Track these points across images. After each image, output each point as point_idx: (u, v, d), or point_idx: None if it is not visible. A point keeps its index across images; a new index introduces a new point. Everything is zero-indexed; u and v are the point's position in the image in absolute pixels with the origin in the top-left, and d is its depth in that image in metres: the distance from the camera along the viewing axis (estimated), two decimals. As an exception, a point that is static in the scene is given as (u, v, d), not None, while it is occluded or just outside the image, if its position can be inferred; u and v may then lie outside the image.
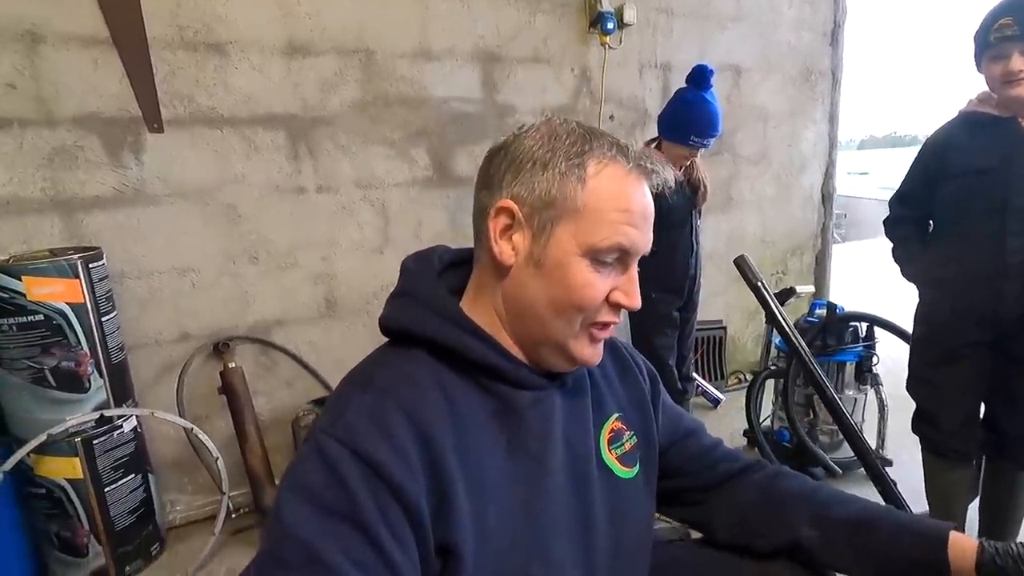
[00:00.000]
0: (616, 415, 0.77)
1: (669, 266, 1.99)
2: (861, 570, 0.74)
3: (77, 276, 1.63)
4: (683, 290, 2.05)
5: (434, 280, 0.70)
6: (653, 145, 2.04)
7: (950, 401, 1.58)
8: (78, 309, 1.64)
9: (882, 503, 1.22)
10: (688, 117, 1.90)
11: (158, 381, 2.02)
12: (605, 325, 0.67)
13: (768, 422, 2.45)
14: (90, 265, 1.68)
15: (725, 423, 2.78)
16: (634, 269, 0.66)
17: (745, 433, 2.54)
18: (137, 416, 1.83)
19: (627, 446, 0.76)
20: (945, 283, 1.56)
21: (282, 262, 2.16)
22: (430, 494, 0.56)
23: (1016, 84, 1.37)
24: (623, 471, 0.75)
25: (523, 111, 2.50)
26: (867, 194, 12.01)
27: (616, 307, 0.66)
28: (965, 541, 0.68)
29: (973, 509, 1.71)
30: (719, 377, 3.17)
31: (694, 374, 2.74)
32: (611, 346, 0.84)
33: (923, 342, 1.64)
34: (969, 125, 1.51)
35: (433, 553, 0.56)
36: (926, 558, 0.67)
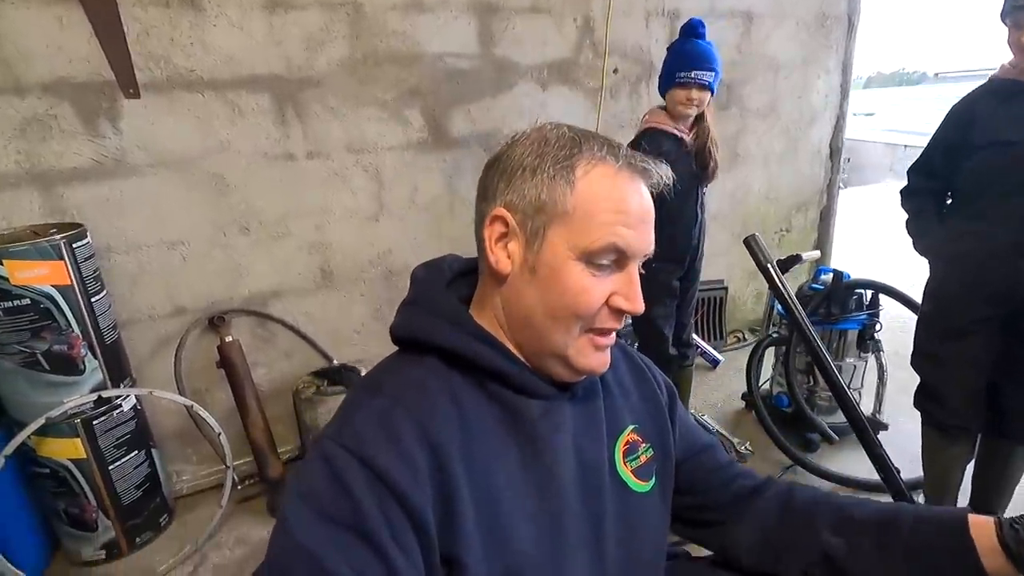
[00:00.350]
0: (632, 427, 0.75)
1: (671, 236, 1.92)
2: (890, 572, 0.72)
3: (61, 257, 1.57)
4: (685, 260, 1.99)
5: (443, 289, 0.70)
6: (649, 116, 1.92)
7: (956, 378, 1.57)
8: (65, 291, 1.59)
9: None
10: (671, 59, 1.83)
11: (155, 356, 2.00)
12: (606, 332, 0.64)
13: (767, 386, 2.46)
14: (74, 245, 1.61)
15: (724, 384, 2.81)
16: (634, 271, 0.64)
17: (744, 396, 2.57)
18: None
19: (643, 459, 0.74)
20: (959, 258, 1.51)
21: (274, 232, 2.09)
22: (437, 503, 0.56)
23: None
24: (638, 485, 0.73)
25: (523, 66, 2.36)
26: (872, 137, 11.71)
27: (617, 312, 0.64)
28: (982, 520, 0.67)
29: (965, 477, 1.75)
30: (719, 337, 3.17)
31: (694, 336, 2.74)
32: (627, 356, 0.83)
33: (931, 317, 1.61)
34: (998, 94, 1.42)
35: (439, 562, 0.56)
36: (951, 544, 0.66)
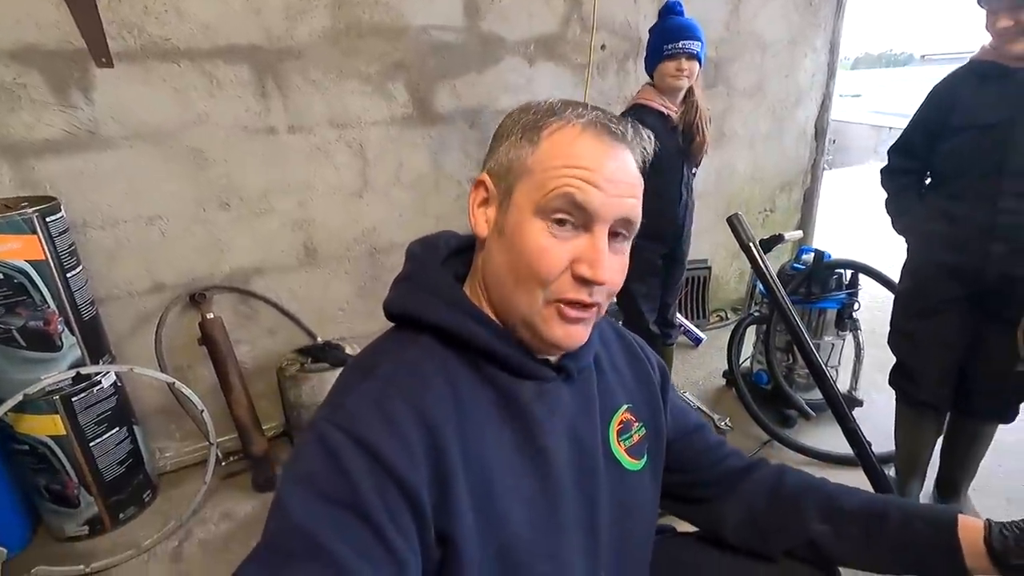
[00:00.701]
0: (626, 406, 0.76)
1: (653, 213, 1.91)
2: (874, 561, 0.75)
3: (34, 231, 1.53)
4: (666, 238, 2.00)
5: (439, 266, 0.70)
6: (640, 93, 1.91)
7: (929, 356, 1.61)
8: (40, 266, 1.55)
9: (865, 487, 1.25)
10: (656, 35, 1.83)
11: (135, 332, 1.98)
12: (573, 303, 0.61)
13: (747, 363, 2.51)
14: (47, 219, 1.57)
15: (706, 362, 2.85)
16: (601, 237, 0.59)
17: (724, 374, 2.61)
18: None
19: (636, 438, 0.75)
20: (935, 238, 1.54)
21: (256, 208, 2.05)
22: (432, 484, 0.56)
23: (1008, 39, 1.30)
24: (631, 463, 0.74)
25: (510, 41, 2.32)
26: (858, 118, 11.76)
27: (581, 281, 0.59)
28: (971, 522, 0.68)
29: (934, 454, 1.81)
30: (701, 316, 3.21)
31: (678, 316, 2.77)
32: (620, 336, 0.83)
33: (907, 295, 1.65)
34: (978, 75, 1.43)
35: (434, 542, 0.56)
36: (938, 543, 0.68)
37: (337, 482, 0.52)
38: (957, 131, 1.45)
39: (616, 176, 0.59)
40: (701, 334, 3.02)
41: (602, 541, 0.69)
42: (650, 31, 1.89)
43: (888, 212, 1.68)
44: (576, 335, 0.63)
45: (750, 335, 2.51)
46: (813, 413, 2.18)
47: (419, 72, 2.18)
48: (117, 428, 1.81)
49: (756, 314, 2.42)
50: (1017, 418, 1.61)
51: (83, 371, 1.66)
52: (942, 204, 1.52)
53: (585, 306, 0.61)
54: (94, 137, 1.77)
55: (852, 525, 0.74)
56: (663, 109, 1.86)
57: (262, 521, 0.53)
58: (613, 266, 0.61)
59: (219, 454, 1.95)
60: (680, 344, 2.97)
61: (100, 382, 1.74)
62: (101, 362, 1.76)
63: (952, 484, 1.75)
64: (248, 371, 2.15)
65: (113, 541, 1.80)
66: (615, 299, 2.19)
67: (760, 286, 2.41)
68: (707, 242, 3.15)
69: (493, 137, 0.66)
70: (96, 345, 1.75)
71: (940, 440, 1.78)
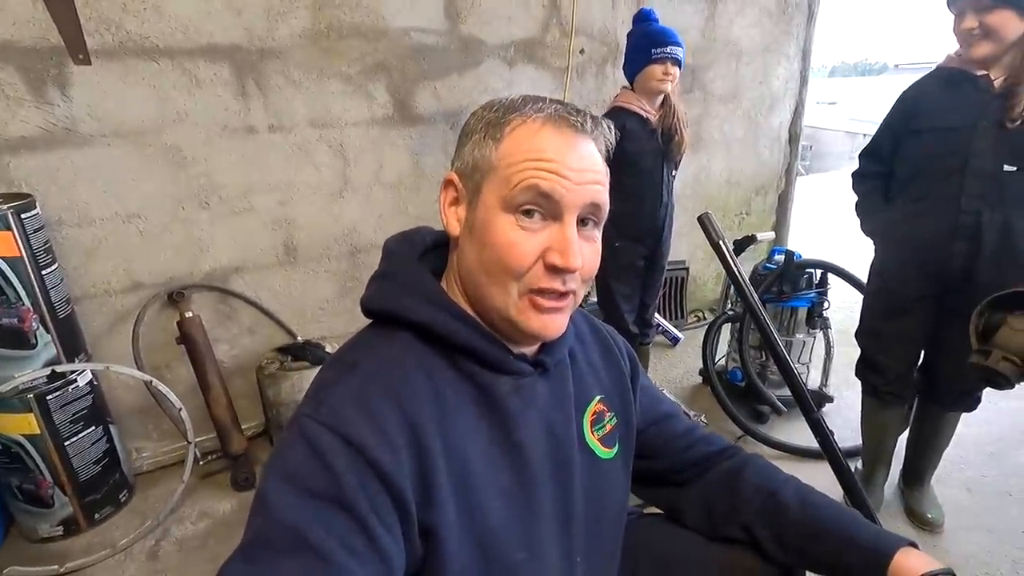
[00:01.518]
0: (598, 397, 0.78)
1: (633, 214, 1.97)
2: (809, 569, 0.78)
3: (9, 228, 1.52)
4: (647, 239, 2.05)
5: (416, 261, 0.70)
6: (619, 96, 1.96)
7: (894, 351, 1.67)
8: (14, 263, 1.54)
9: (831, 479, 1.28)
10: (640, 40, 1.88)
11: (112, 331, 1.96)
12: (547, 292, 0.62)
13: (723, 362, 2.56)
14: (22, 215, 1.56)
15: (683, 361, 2.90)
16: (570, 226, 0.61)
17: (701, 372, 2.66)
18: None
19: (608, 427, 0.78)
20: (900, 239, 1.60)
21: (236, 207, 2.06)
22: (415, 478, 0.57)
23: (972, 42, 1.36)
24: (604, 452, 0.77)
25: (490, 45, 2.35)
26: (834, 125, 12.04)
27: (553, 270, 0.61)
28: (912, 561, 0.67)
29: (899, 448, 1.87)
30: (679, 316, 3.27)
31: (656, 316, 2.81)
32: (593, 327, 0.85)
33: (875, 295, 1.71)
34: (943, 80, 1.49)
35: (417, 536, 0.58)
36: (866, 575, 0.69)
37: (321, 478, 0.53)
38: (921, 134, 1.51)
39: (580, 164, 0.61)
40: (679, 334, 3.08)
41: (576, 527, 0.72)
42: (630, 35, 1.94)
43: (857, 214, 1.74)
44: (553, 325, 0.64)
45: (725, 335, 2.57)
46: (785, 409, 2.24)
47: (400, 73, 2.20)
48: (93, 427, 1.79)
49: (730, 313, 2.48)
50: (978, 410, 1.68)
51: (58, 369, 1.65)
52: (908, 206, 1.58)
53: (560, 295, 0.63)
54: (71, 134, 1.76)
55: (790, 537, 0.76)
56: (642, 112, 1.91)
57: (241, 520, 0.53)
58: (585, 253, 0.63)
59: (197, 453, 1.94)
60: (658, 343, 3.02)
61: (75, 380, 1.73)
62: (77, 360, 1.75)
63: (917, 474, 1.82)
64: (227, 370, 2.15)
65: (88, 541, 1.79)
66: (595, 298, 2.26)
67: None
68: (685, 244, 3.21)
69: (460, 136, 0.67)
70: (72, 343, 1.74)
71: (906, 433, 1.85)
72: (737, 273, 1.48)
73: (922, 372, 1.72)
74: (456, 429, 0.62)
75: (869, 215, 1.70)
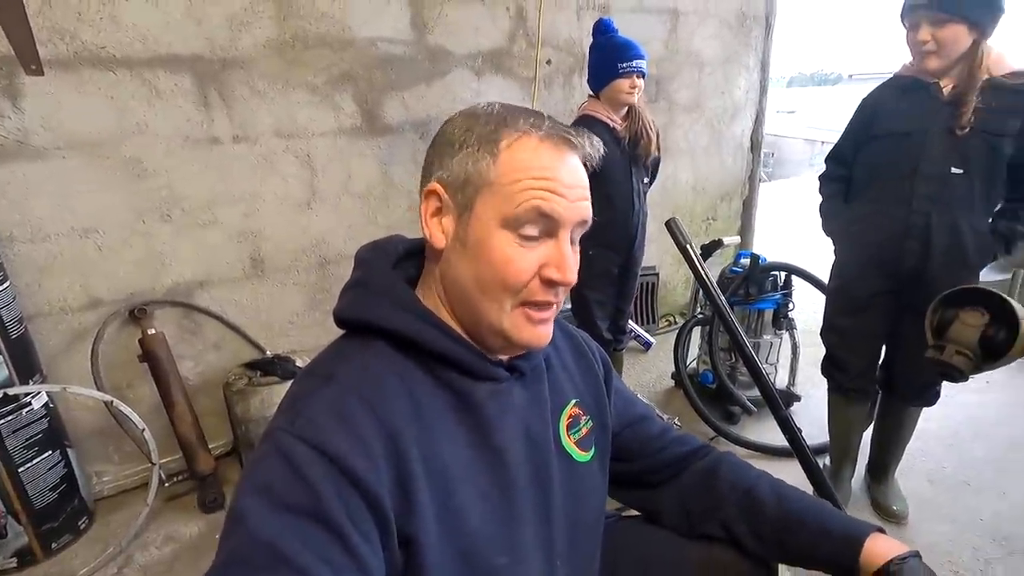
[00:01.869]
0: (574, 401, 0.79)
1: (607, 223, 1.99)
2: (787, 562, 0.81)
3: (-44, 245, 1.46)
4: (622, 248, 2.07)
5: (390, 270, 0.70)
6: (586, 105, 1.99)
7: (856, 348, 1.73)
8: (-38, 281, 1.47)
9: (800, 476, 1.31)
10: (605, 53, 1.91)
11: (70, 350, 1.88)
12: (541, 305, 0.65)
13: (694, 365, 2.61)
14: (-29, 231, 1.50)
15: (655, 365, 2.94)
16: (565, 241, 0.64)
17: (673, 376, 2.70)
18: (47, 391, 1.71)
19: (584, 431, 0.79)
20: (858, 238, 1.66)
21: (200, 220, 2.01)
22: (394, 487, 0.57)
23: (925, 56, 1.43)
24: (580, 455, 0.77)
25: (457, 55, 2.36)
26: (794, 133, 12.45)
27: (549, 284, 0.63)
28: (876, 552, 0.70)
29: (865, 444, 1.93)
30: (651, 321, 3.31)
31: (630, 322, 2.85)
32: (566, 333, 0.86)
33: (836, 293, 1.77)
34: (899, 89, 1.57)
35: (397, 545, 0.57)
36: (841, 563, 0.72)
37: (299, 491, 0.52)
38: (878, 139, 1.59)
39: (573, 181, 0.63)
40: (651, 338, 3.12)
41: (556, 530, 0.72)
42: (593, 48, 1.98)
43: (820, 215, 1.80)
44: (544, 334, 0.67)
45: (696, 338, 2.61)
46: (755, 409, 2.29)
47: (367, 83, 2.20)
48: (49, 452, 1.71)
49: (700, 317, 2.52)
50: (937, 404, 1.75)
51: (10, 392, 1.58)
52: (864, 207, 1.65)
53: (549, 304, 0.65)
54: (23, 147, 1.70)
55: (767, 531, 0.78)
56: (609, 121, 1.94)
57: (209, 543, 0.52)
58: (574, 265, 0.65)
59: (162, 475, 1.87)
60: (631, 348, 3.05)
61: (30, 403, 1.65)
62: (31, 382, 1.67)
63: (881, 468, 1.87)
64: (193, 387, 2.08)
65: (45, 572, 1.70)
66: (570, 306, 2.27)
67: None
68: (655, 249, 3.25)
69: (439, 144, 0.66)
70: (26, 364, 1.66)
71: (870, 429, 1.91)
72: (705, 277, 1.51)
73: (884, 368, 1.78)
74: (434, 436, 0.62)
75: (831, 216, 1.76)
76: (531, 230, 0.62)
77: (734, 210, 3.61)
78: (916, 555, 0.68)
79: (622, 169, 1.96)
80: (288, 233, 2.18)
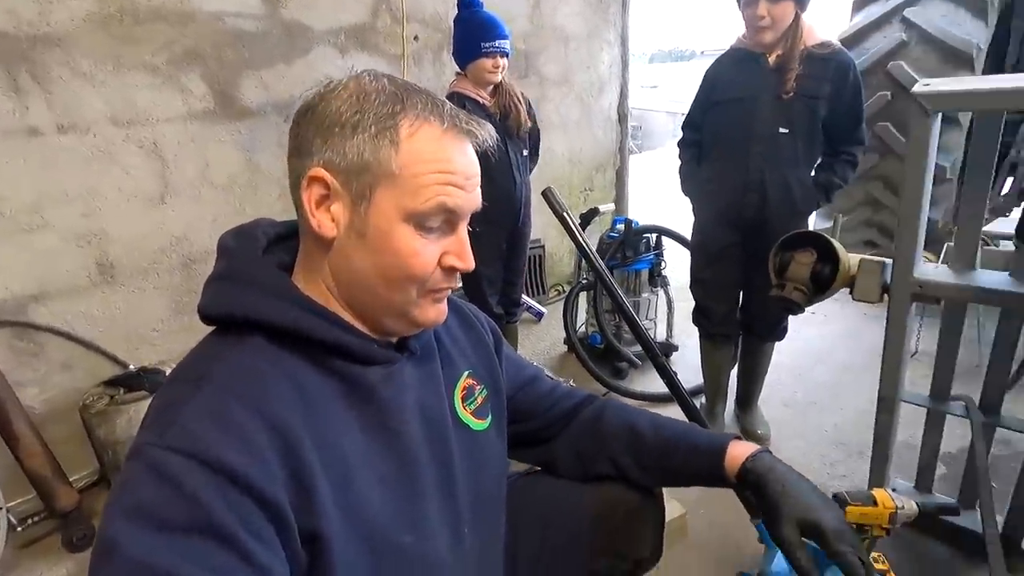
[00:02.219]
0: (467, 372, 0.80)
1: (492, 199, 2.00)
2: (670, 483, 0.90)
3: None
4: (508, 223, 2.11)
5: (260, 257, 0.65)
6: (455, 83, 1.99)
7: (717, 296, 1.93)
8: None
9: (682, 417, 1.44)
10: (468, 31, 1.92)
11: None
12: (443, 290, 0.67)
13: (584, 329, 2.75)
14: None
15: (548, 333, 3.06)
16: (463, 230, 0.66)
17: (565, 341, 2.83)
18: None
19: (479, 400, 0.80)
20: (708, 196, 1.85)
21: (25, 224, 1.74)
22: (290, 485, 0.54)
23: (760, 30, 1.60)
24: (478, 424, 0.79)
25: (317, 31, 2.24)
26: (658, 106, 13.28)
27: (450, 271, 0.65)
28: (739, 450, 0.79)
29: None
30: (541, 292, 3.43)
31: (522, 296, 2.92)
32: (453, 306, 0.85)
33: (696, 249, 1.96)
34: (734, 59, 1.75)
35: (299, 542, 0.55)
36: (712, 472, 0.82)
37: (177, 506, 0.48)
38: (719, 105, 1.77)
39: (472, 172, 0.64)
40: (542, 308, 3.23)
41: (461, 500, 0.73)
42: (457, 22, 1.97)
43: (679, 177, 1.97)
44: (444, 311, 0.69)
45: (584, 304, 2.75)
46: (640, 362, 2.47)
47: (217, 62, 2.01)
48: None
49: (584, 282, 2.65)
50: (787, 340, 2.00)
51: None
52: (711, 167, 1.83)
53: (450, 289, 0.68)
54: None
55: (649, 459, 0.87)
56: (479, 99, 1.95)
57: None
58: (470, 251, 0.66)
59: (12, 519, 1.63)
60: (525, 320, 3.14)
61: None
62: None
63: (746, 399, 2.12)
64: (40, 416, 1.83)
65: None
66: (460, 284, 2.27)
67: (585, 256, 2.65)
68: (538, 223, 3.32)
69: (320, 123, 0.60)
70: None
71: (735, 369, 2.14)
72: (583, 243, 1.59)
73: (742, 312, 2.00)
74: (327, 425, 0.60)
75: (687, 178, 1.94)
76: (434, 223, 0.62)
77: (608, 180, 3.81)
78: (767, 451, 0.80)
79: (498, 145, 1.99)
80: (140, 232, 1.96)
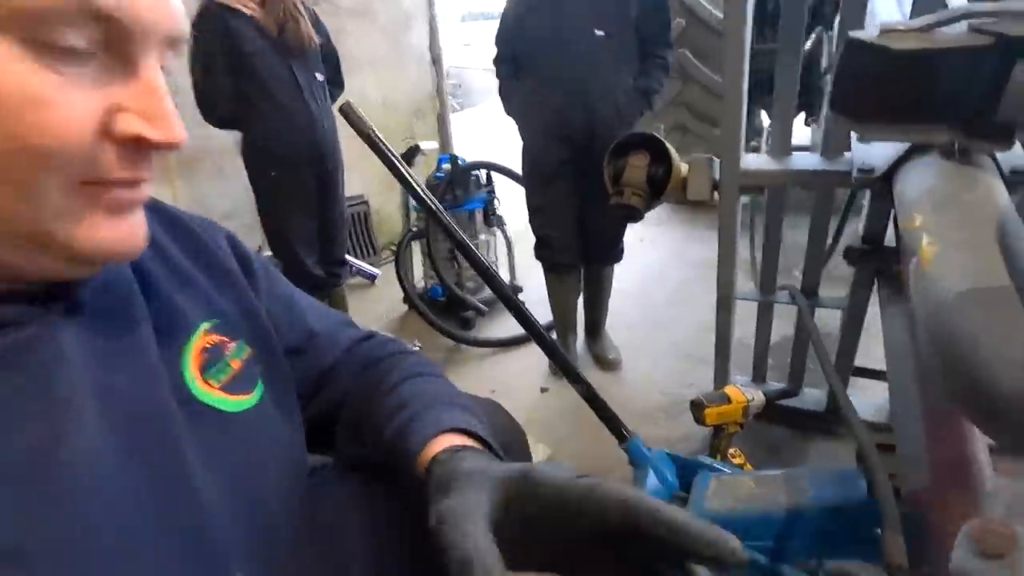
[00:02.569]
0: (205, 325, 0.49)
1: (280, 130, 1.64)
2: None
3: None
4: (311, 160, 1.75)
5: None
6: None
7: (555, 222, 1.83)
8: None
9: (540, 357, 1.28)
10: None
11: None
12: (122, 183, 0.36)
13: (422, 283, 2.51)
14: None
15: (385, 296, 2.77)
16: (152, 70, 0.36)
17: (404, 300, 2.57)
18: None
19: (236, 364, 0.50)
20: (533, 113, 1.72)
21: None
22: None
23: None
24: (235, 402, 0.49)
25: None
26: (474, 64, 13.21)
27: (133, 146, 0.35)
28: (428, 455, 0.49)
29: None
30: (372, 253, 3.11)
31: (347, 256, 2.58)
32: (169, 221, 0.52)
33: (528, 174, 1.83)
34: None
35: None
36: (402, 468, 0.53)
37: None
38: (530, 11, 1.61)
39: None
40: (375, 270, 2.92)
41: (218, 529, 0.43)
42: None
43: (500, 97, 1.81)
44: (137, 233, 0.39)
45: (418, 256, 2.51)
46: (486, 309, 2.32)
47: None
48: None
49: (414, 230, 2.41)
50: (625, 265, 1.98)
51: None
52: (531, 80, 1.69)
53: (136, 183, 0.37)
54: None
55: (346, 432, 0.62)
56: (245, 9, 1.56)
57: None
58: (176, 113, 0.37)
59: None
60: (357, 284, 2.82)
61: None
62: None
63: (594, 327, 2.09)
64: None
65: None
66: (270, 247, 1.88)
67: (413, 202, 2.39)
68: (358, 178, 2.99)
69: None
70: None
71: (581, 299, 2.09)
72: (402, 169, 1.32)
73: (581, 239, 1.93)
74: None
75: (509, 97, 1.79)
76: (73, 38, 0.31)
77: (430, 126, 3.56)
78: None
79: (277, 61, 1.62)
80: None
